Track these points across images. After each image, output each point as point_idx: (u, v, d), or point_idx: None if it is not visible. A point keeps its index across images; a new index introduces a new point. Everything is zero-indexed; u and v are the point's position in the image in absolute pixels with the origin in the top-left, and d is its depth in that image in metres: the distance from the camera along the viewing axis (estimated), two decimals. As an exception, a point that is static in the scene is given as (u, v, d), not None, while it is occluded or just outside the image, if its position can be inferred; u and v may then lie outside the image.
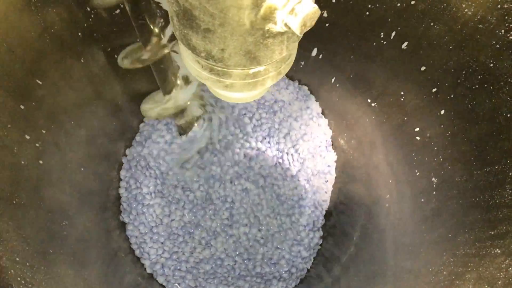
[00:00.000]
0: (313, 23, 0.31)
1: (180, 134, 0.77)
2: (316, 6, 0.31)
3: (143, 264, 0.76)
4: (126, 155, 0.78)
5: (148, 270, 0.76)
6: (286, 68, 0.42)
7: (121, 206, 0.76)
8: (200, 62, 0.40)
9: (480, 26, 0.48)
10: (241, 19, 0.32)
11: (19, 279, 0.45)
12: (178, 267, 0.76)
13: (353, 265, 0.76)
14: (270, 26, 0.33)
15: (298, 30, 0.31)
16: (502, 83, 0.49)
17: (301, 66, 0.74)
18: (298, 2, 0.31)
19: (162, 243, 0.76)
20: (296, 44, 0.42)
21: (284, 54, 0.38)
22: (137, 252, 0.76)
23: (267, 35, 0.34)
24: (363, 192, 0.79)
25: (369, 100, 0.71)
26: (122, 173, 0.77)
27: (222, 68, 0.38)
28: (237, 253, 0.78)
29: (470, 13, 0.48)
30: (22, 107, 0.51)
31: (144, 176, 0.77)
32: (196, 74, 0.43)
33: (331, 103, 0.80)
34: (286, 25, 0.32)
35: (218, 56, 0.36)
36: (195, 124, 0.76)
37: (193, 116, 0.74)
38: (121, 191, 0.76)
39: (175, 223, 0.76)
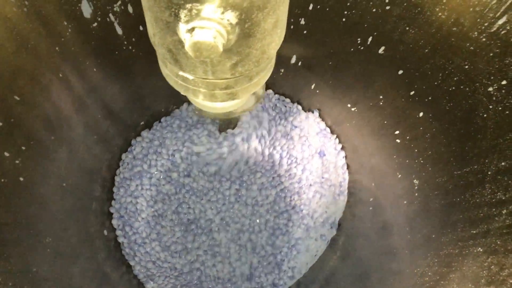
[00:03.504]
0: (211, 56, 0.30)
1: (220, 132, 0.75)
2: (213, 43, 0.29)
3: None
4: (112, 205, 0.75)
5: None
6: (223, 96, 0.40)
7: (123, 251, 0.75)
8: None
9: (454, 29, 0.49)
10: (157, 13, 0.31)
11: (2, 299, 0.45)
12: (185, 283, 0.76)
13: (339, 269, 0.76)
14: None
15: (190, 51, 0.30)
16: (477, 84, 0.50)
17: (281, 73, 0.75)
18: (200, 27, 0.29)
19: (172, 273, 0.76)
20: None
21: (209, 77, 0.36)
22: (147, 286, 0.75)
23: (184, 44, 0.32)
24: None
25: (349, 105, 0.72)
26: (114, 222, 0.75)
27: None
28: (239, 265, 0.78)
29: (444, 16, 0.49)
30: (0, 124, 0.50)
31: (138, 222, 0.75)
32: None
33: (312, 109, 0.80)
34: (184, 40, 0.31)
35: (152, 40, 0.35)
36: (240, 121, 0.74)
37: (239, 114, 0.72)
38: (120, 239, 0.74)
39: (182, 260, 0.76)
